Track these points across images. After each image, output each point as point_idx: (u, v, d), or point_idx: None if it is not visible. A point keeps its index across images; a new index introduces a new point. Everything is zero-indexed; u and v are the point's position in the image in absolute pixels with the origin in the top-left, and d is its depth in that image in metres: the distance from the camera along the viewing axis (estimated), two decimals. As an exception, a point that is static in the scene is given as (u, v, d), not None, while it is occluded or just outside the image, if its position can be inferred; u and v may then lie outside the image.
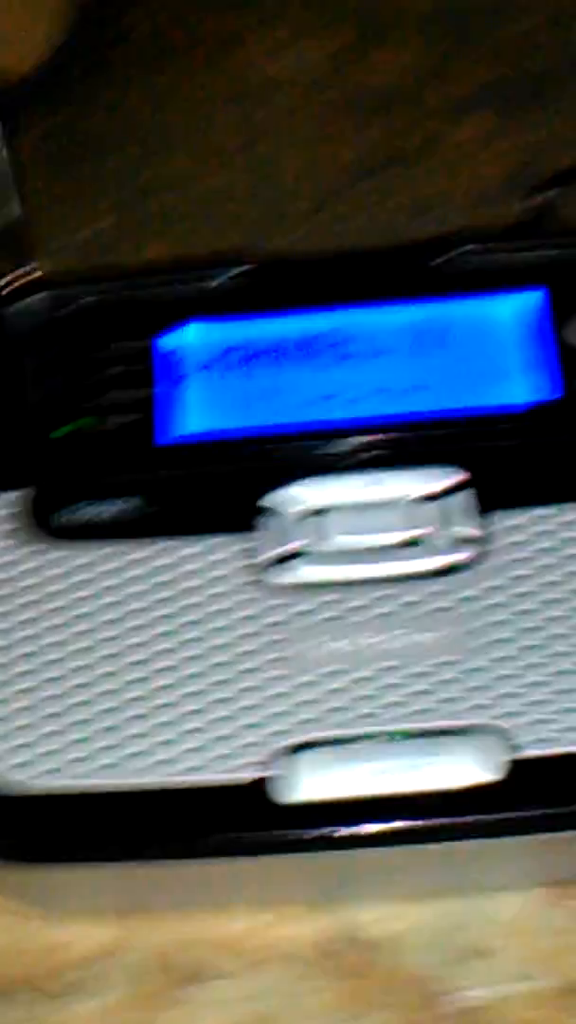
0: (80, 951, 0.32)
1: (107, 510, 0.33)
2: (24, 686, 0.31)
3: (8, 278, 0.38)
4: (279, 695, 0.30)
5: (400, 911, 0.33)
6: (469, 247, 0.37)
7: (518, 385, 0.35)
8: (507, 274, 0.37)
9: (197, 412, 0.35)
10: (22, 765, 0.29)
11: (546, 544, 0.32)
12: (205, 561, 0.32)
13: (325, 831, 0.29)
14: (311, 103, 0.47)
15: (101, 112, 0.48)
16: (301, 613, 0.31)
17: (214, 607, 0.32)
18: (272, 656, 0.31)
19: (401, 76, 0.47)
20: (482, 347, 0.36)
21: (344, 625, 0.31)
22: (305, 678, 0.30)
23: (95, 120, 0.48)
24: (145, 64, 0.49)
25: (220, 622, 0.31)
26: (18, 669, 0.31)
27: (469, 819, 0.29)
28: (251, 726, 0.30)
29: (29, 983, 0.32)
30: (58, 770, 0.29)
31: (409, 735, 0.29)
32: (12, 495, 0.34)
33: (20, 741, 0.30)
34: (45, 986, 0.32)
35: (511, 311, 0.36)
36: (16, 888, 0.33)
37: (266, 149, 0.46)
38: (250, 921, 0.33)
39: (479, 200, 0.44)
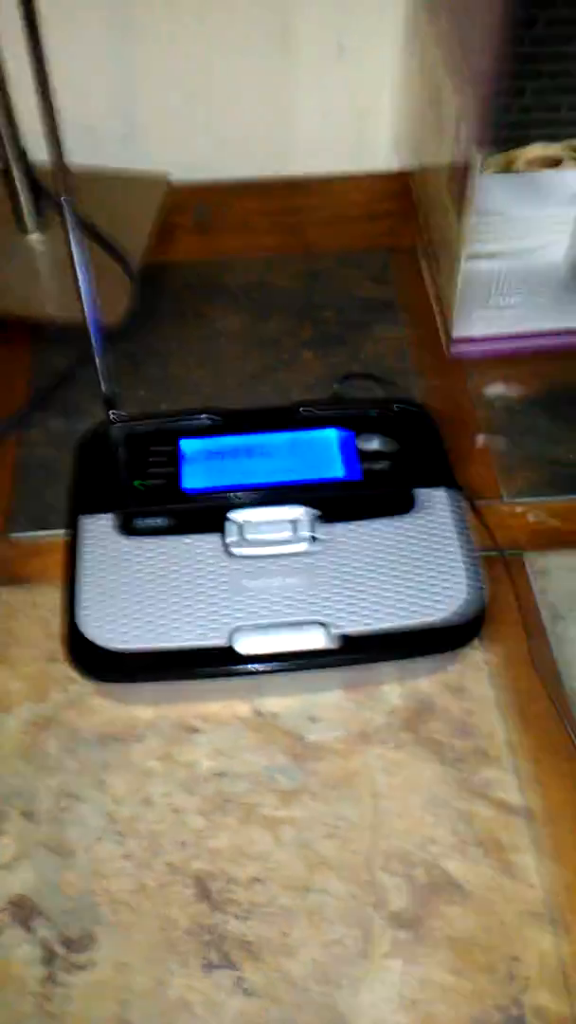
0: (139, 720, 0.44)
1: (157, 522, 0.45)
2: (116, 601, 0.42)
3: (112, 415, 0.49)
4: (233, 604, 0.42)
5: (282, 700, 0.44)
6: (308, 408, 0.49)
7: (328, 467, 0.47)
8: (326, 420, 0.49)
9: (195, 478, 0.47)
10: (114, 636, 0.41)
11: (350, 539, 0.44)
12: (202, 545, 0.44)
13: (256, 666, 0.40)
14: (235, 344, 0.61)
15: (143, 344, 0.61)
16: (244, 568, 0.43)
17: (207, 565, 0.43)
18: (230, 587, 0.42)
19: (274, 333, 0.61)
20: (322, 453, 0.47)
21: (262, 573, 0.43)
22: (244, 596, 0.42)
23: (138, 346, 0.60)
24: (163, 321, 0.62)
25: (209, 572, 0.43)
26: (115, 598, 0.42)
27: (316, 660, 0.40)
28: (221, 618, 0.41)
29: (114, 736, 0.43)
30: (132, 638, 0.41)
31: (291, 623, 0.41)
32: (111, 515, 0.45)
33: (112, 625, 0.41)
34: (122, 736, 0.43)
35: (333, 436, 0.48)
36: (111, 692, 0.44)
37: (215, 364, 0.60)
38: (216, 707, 0.44)
39: (312, 387, 0.58)
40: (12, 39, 0.40)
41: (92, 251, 0.60)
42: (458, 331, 0.56)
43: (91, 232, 0.61)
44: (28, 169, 0.61)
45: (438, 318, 0.60)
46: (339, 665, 0.40)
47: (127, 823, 0.40)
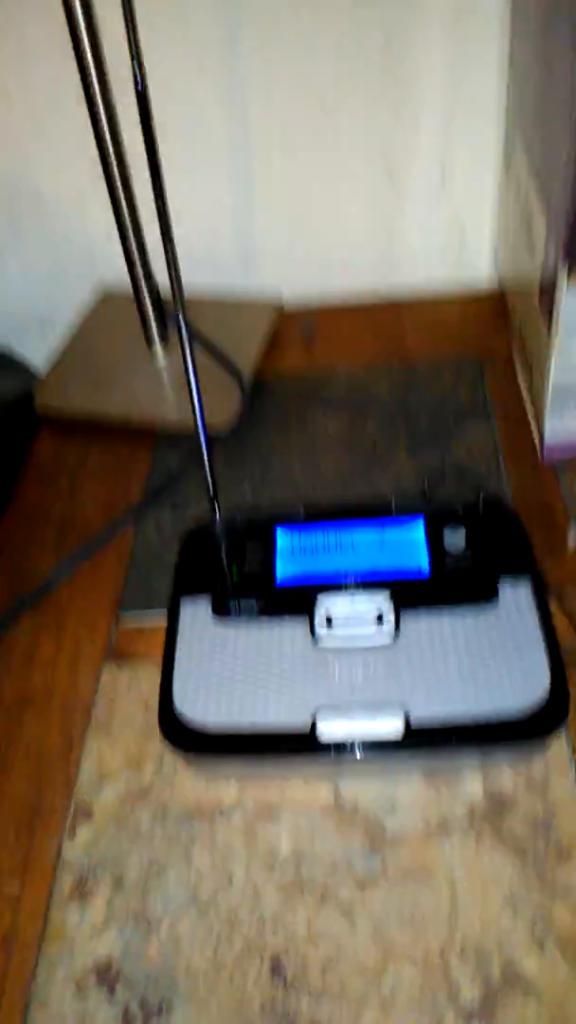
0: (225, 799, 0.45)
1: (250, 606, 0.47)
2: (207, 679, 0.44)
3: (214, 511, 0.52)
4: (317, 689, 0.43)
5: (363, 786, 0.44)
6: (398, 503, 0.50)
7: (415, 559, 0.47)
8: (414, 514, 0.50)
9: (288, 566, 0.49)
10: (204, 713, 0.43)
11: (432, 630, 0.44)
12: (291, 631, 0.45)
13: (335, 750, 0.41)
14: (333, 446, 0.64)
15: (249, 445, 0.65)
16: (329, 655, 0.44)
17: (294, 650, 0.45)
18: (315, 672, 0.43)
19: (370, 437, 0.64)
20: (408, 546, 0.48)
21: (346, 660, 0.44)
22: (327, 681, 0.43)
23: (245, 449, 0.64)
24: (268, 427, 0.66)
25: (296, 657, 0.44)
26: (206, 677, 0.44)
27: (394, 747, 0.41)
28: (304, 701, 0.42)
29: (201, 812, 0.45)
30: (221, 716, 0.42)
31: (371, 708, 0.41)
32: (208, 598, 0.48)
33: (203, 704, 0.43)
34: (209, 813, 0.45)
35: (419, 530, 0.48)
36: (201, 769, 0.45)
37: (314, 463, 0.63)
38: (299, 789, 0.44)
39: (404, 486, 0.59)
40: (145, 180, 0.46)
41: (207, 364, 0.66)
42: (550, 435, 0.57)
43: (207, 347, 0.67)
44: (155, 291, 0.67)
45: (532, 423, 0.61)
46: (415, 752, 0.41)
47: (209, 898, 0.41)
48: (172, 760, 0.45)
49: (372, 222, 0.77)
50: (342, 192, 0.75)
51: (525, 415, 0.63)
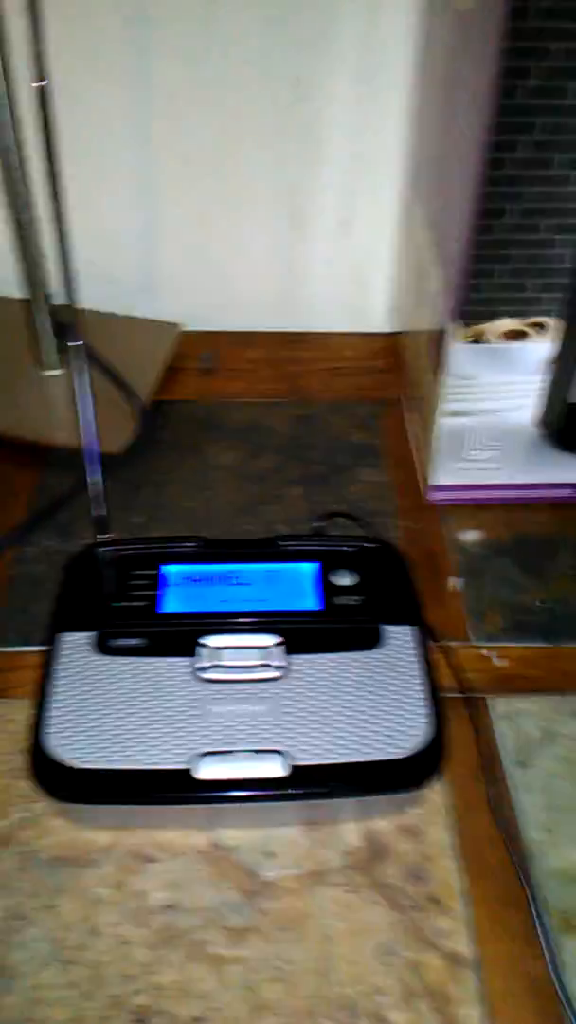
0: (95, 845, 0.42)
1: (131, 642, 0.45)
2: (83, 718, 0.41)
3: (99, 538, 0.51)
4: (197, 729, 0.41)
5: (240, 833, 0.42)
6: (287, 541, 0.50)
7: (302, 599, 0.47)
8: (302, 554, 0.49)
9: (172, 602, 0.47)
10: (77, 754, 0.40)
11: (317, 671, 0.43)
12: (173, 667, 0.44)
13: (213, 793, 0.39)
14: (228, 477, 0.63)
15: (142, 472, 0.63)
16: (211, 693, 0.42)
17: (175, 688, 0.43)
18: (196, 711, 0.42)
19: (265, 471, 0.64)
20: (296, 585, 0.48)
21: (229, 699, 0.42)
22: (208, 721, 0.41)
23: (138, 474, 0.63)
24: (163, 454, 0.65)
25: (177, 695, 0.42)
26: (82, 715, 0.41)
27: (273, 790, 0.39)
28: (184, 742, 0.41)
29: (68, 860, 0.42)
30: (94, 757, 0.40)
31: (251, 751, 0.40)
32: (89, 633, 0.45)
33: (75, 744, 0.40)
34: (77, 860, 0.42)
35: (307, 570, 0.48)
36: (71, 813, 0.42)
37: (208, 495, 0.62)
38: (174, 835, 0.42)
39: (296, 521, 0.59)
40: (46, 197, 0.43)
41: (103, 386, 0.64)
42: (435, 479, 0.58)
43: (103, 368, 0.64)
44: (50, 310, 0.64)
45: (417, 466, 0.62)
46: (295, 796, 0.40)
47: (73, 951, 0.38)
48: (41, 805, 0.43)
49: (274, 262, 0.77)
50: (245, 228, 0.75)
51: (412, 457, 0.64)
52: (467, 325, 0.51)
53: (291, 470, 0.64)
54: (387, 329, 0.78)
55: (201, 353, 0.74)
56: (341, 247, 0.75)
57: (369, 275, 0.77)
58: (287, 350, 0.76)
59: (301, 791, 0.39)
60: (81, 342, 0.45)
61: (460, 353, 0.52)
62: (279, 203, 0.73)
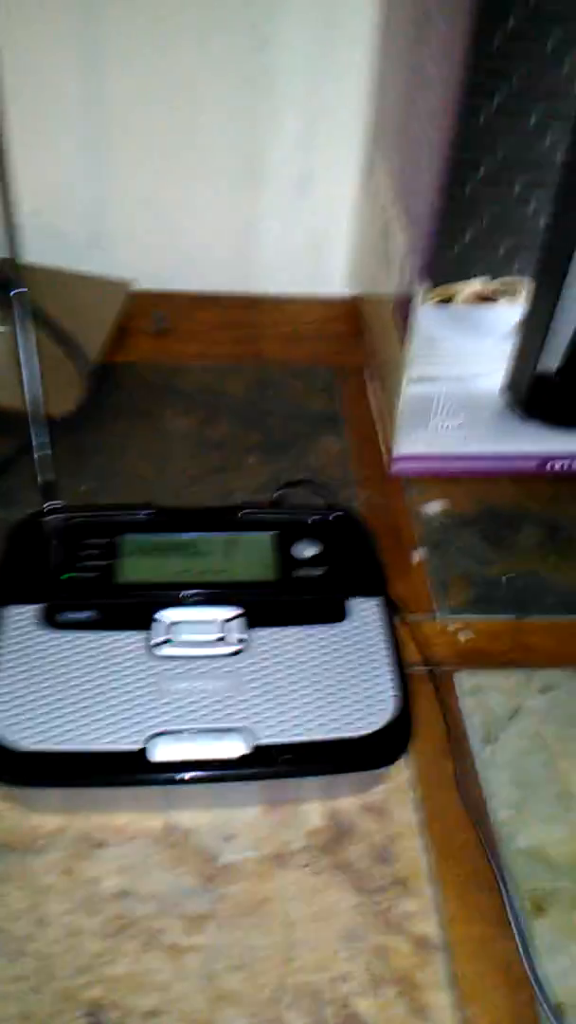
0: (42, 829, 0.40)
1: (82, 616, 0.42)
2: (29, 696, 0.39)
3: (46, 506, 0.48)
4: (152, 708, 0.39)
5: (197, 815, 0.41)
6: (248, 510, 0.48)
7: (263, 571, 0.45)
8: (264, 524, 0.47)
9: (126, 573, 0.45)
10: (22, 734, 0.38)
11: (278, 645, 0.42)
12: (126, 642, 0.41)
13: (169, 775, 0.37)
14: (182, 444, 0.61)
15: (92, 437, 0.60)
16: (168, 670, 0.40)
17: (129, 664, 0.40)
18: (151, 689, 0.40)
19: (221, 437, 0.61)
20: (257, 556, 0.46)
21: (186, 675, 0.40)
22: (164, 699, 0.39)
23: (87, 439, 0.60)
24: (114, 418, 0.62)
25: (130, 672, 0.40)
26: (29, 694, 0.39)
27: (233, 770, 0.37)
28: (138, 721, 0.38)
29: (13, 845, 0.39)
30: (41, 737, 0.37)
31: (210, 730, 0.38)
32: (36, 606, 0.42)
33: (20, 724, 0.38)
34: (23, 846, 0.40)
35: (268, 540, 0.46)
36: (16, 796, 0.40)
37: (161, 462, 0.59)
38: (126, 819, 0.40)
39: (255, 490, 0.57)
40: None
41: (48, 345, 0.60)
42: (398, 448, 0.56)
43: (47, 325, 0.61)
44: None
45: (380, 435, 0.60)
46: (257, 777, 0.38)
47: (19, 942, 0.36)
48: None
49: (230, 220, 0.74)
50: (199, 183, 0.72)
51: (374, 426, 0.62)
52: (435, 286, 0.49)
53: (249, 437, 0.62)
54: (347, 292, 0.76)
55: (153, 313, 0.70)
56: (299, 205, 0.73)
57: (328, 235, 0.75)
58: (244, 313, 0.73)
59: (262, 770, 0.38)
60: (24, 290, 0.42)
61: (427, 315, 0.50)
62: (235, 157, 0.70)
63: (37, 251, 0.69)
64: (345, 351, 0.70)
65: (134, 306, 0.70)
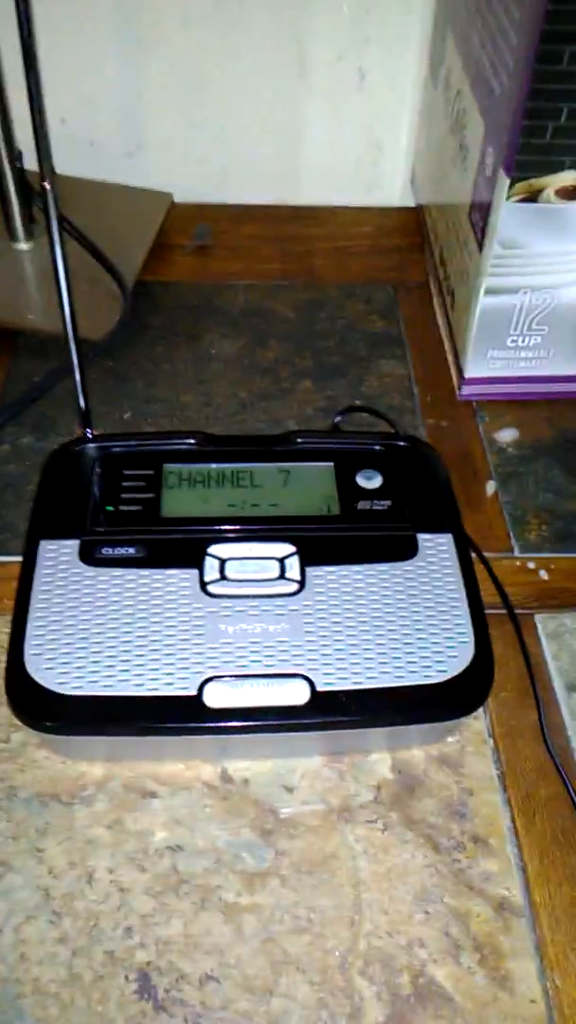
0: (87, 778, 0.38)
1: (126, 551, 0.40)
2: (70, 639, 0.36)
3: (87, 432, 0.45)
4: (206, 650, 0.36)
5: (254, 765, 0.38)
6: (306, 438, 0.45)
7: (323, 504, 0.42)
8: (324, 453, 0.44)
9: (175, 505, 0.42)
10: (64, 678, 0.35)
11: (342, 585, 0.39)
12: (176, 580, 0.39)
13: (226, 722, 0.35)
14: (229, 368, 0.57)
15: (131, 362, 0.56)
16: (222, 610, 0.37)
17: (179, 603, 0.38)
18: (204, 630, 0.37)
19: (271, 361, 0.57)
20: (317, 488, 0.43)
21: (242, 616, 0.37)
22: (218, 641, 0.36)
23: (125, 364, 0.56)
24: (154, 341, 0.58)
25: (182, 611, 0.37)
26: (69, 636, 0.37)
27: (295, 719, 0.35)
28: (191, 664, 0.36)
29: (57, 796, 0.38)
30: (85, 682, 0.35)
31: (268, 675, 0.35)
32: (75, 540, 0.40)
33: (61, 667, 0.35)
34: (66, 797, 0.38)
35: (330, 471, 0.43)
36: (58, 744, 0.38)
37: (207, 388, 0.55)
38: (178, 767, 0.38)
39: (309, 419, 0.53)
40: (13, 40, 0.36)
41: (84, 262, 0.56)
42: (471, 370, 0.52)
43: (83, 241, 0.57)
44: (20, 173, 0.57)
45: (449, 356, 0.56)
46: (321, 727, 0.35)
47: (63, 900, 0.34)
48: (23, 734, 0.38)
49: (277, 122, 0.69)
50: (244, 82, 0.67)
51: (441, 347, 0.57)
52: (518, 180, 0.44)
53: (301, 361, 0.58)
54: (407, 203, 0.71)
55: (195, 228, 0.66)
56: (354, 103, 0.67)
57: (386, 137, 0.70)
58: (292, 226, 0.69)
59: (328, 719, 0.35)
60: (49, 188, 0.38)
61: (508, 215, 0.45)
62: (284, 50, 0.65)
63: (68, 162, 0.65)
64: (405, 266, 0.65)
65: (172, 221, 0.66)
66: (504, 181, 0.44)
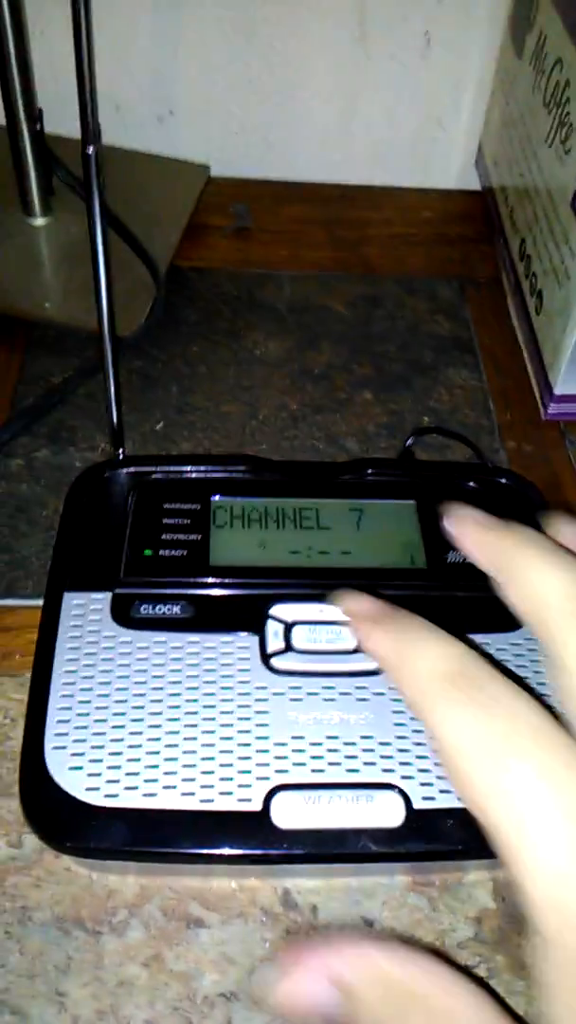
0: (120, 899, 0.31)
1: (171, 610, 0.32)
2: (100, 727, 0.29)
3: (120, 454, 0.38)
4: (273, 747, 0.29)
5: (323, 885, 0.31)
6: (379, 468, 0.38)
7: (406, 554, 0.35)
8: (404, 488, 0.37)
9: (228, 551, 0.34)
10: (96, 782, 0.28)
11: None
12: (232, 650, 0.31)
13: (294, 851, 0.27)
14: (276, 373, 0.48)
15: (165, 363, 0.48)
16: (290, 691, 0.30)
17: (236, 682, 0.30)
18: (269, 719, 0.29)
19: (324, 366, 0.49)
20: (398, 532, 0.35)
21: (315, 701, 0.30)
22: (286, 734, 0.29)
23: (158, 366, 0.48)
24: (190, 339, 0.50)
25: (240, 693, 0.30)
26: (99, 724, 0.29)
27: (389, 845, 0.28)
28: (255, 767, 0.28)
29: (81, 921, 0.30)
30: (122, 789, 0.28)
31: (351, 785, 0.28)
32: (106, 594, 0.32)
33: (92, 766, 0.28)
34: (93, 923, 0.30)
35: (413, 512, 0.36)
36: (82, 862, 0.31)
37: (251, 396, 0.47)
38: (230, 886, 0.31)
39: (371, 437, 0.45)
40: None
41: (110, 245, 0.48)
42: (563, 386, 0.44)
43: (112, 221, 0.48)
44: (39, 136, 0.48)
45: (531, 367, 0.48)
46: (420, 858, 0.28)
47: (88, 1061, 0.26)
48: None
49: (326, 92, 0.60)
50: (294, 41, 0.58)
51: (518, 355, 0.50)
52: None
53: (359, 367, 0.49)
54: (466, 186, 0.63)
55: (234, 205, 0.57)
56: (417, 69, 0.58)
57: (447, 111, 0.61)
58: (342, 208, 0.60)
59: (427, 848, 0.28)
60: (92, 154, 0.29)
61: None
62: (344, 6, 0.55)
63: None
64: (472, 259, 0.57)
65: (208, 198, 0.57)
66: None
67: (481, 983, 0.22)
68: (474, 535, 0.25)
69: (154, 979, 0.29)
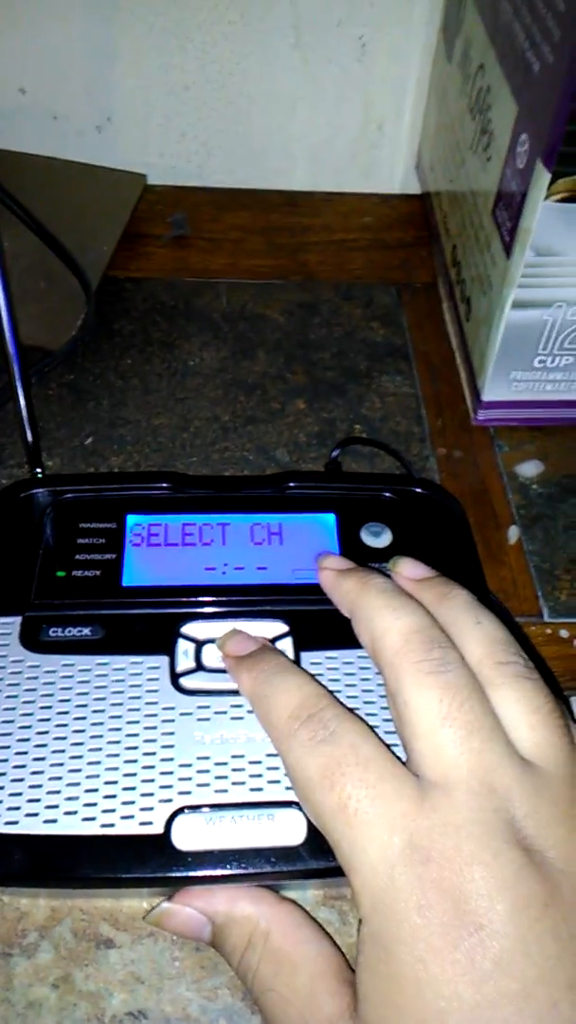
0: (29, 920, 0.31)
1: (81, 632, 0.32)
2: (10, 733, 0.29)
3: (36, 473, 0.37)
4: (177, 768, 0.29)
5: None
6: (300, 482, 0.37)
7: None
8: (323, 501, 0.37)
9: (142, 571, 0.34)
10: None
11: (349, 674, 0.31)
12: (142, 670, 0.31)
13: (198, 872, 0.27)
14: (209, 384, 0.48)
15: (96, 376, 0.48)
16: (198, 711, 0.30)
17: (144, 703, 0.30)
18: (176, 739, 0.29)
19: (258, 375, 0.49)
20: (315, 547, 0.35)
21: (222, 720, 0.30)
22: (193, 755, 0.29)
23: (89, 379, 0.48)
24: (123, 350, 0.50)
25: (147, 714, 0.30)
26: (7, 740, 0.29)
27: (289, 868, 0.27)
28: (158, 789, 0.28)
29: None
30: (23, 815, 0.27)
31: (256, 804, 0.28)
32: (15, 617, 0.32)
33: None
34: (5, 943, 0.30)
35: (331, 525, 0.36)
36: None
37: (183, 408, 0.47)
38: (140, 905, 0.31)
39: (302, 447, 0.45)
40: None
41: (41, 255, 0.48)
42: (489, 393, 0.44)
43: (40, 232, 0.48)
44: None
45: (463, 373, 0.48)
46: (321, 874, 0.27)
47: None
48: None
49: (268, 94, 0.60)
50: (231, 47, 0.58)
51: (452, 360, 0.50)
52: (561, 175, 0.35)
53: (292, 376, 0.50)
54: (409, 190, 0.63)
55: (170, 215, 0.57)
56: (355, 74, 0.58)
57: (387, 115, 0.61)
58: (282, 214, 0.60)
59: (328, 865, 0.27)
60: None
61: (547, 216, 0.37)
62: (278, 13, 0.55)
63: (24, 137, 0.57)
64: (410, 264, 0.57)
65: (145, 206, 0.58)
66: (543, 176, 0.36)
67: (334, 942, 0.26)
68: (332, 581, 0.30)
69: (63, 1000, 0.29)
